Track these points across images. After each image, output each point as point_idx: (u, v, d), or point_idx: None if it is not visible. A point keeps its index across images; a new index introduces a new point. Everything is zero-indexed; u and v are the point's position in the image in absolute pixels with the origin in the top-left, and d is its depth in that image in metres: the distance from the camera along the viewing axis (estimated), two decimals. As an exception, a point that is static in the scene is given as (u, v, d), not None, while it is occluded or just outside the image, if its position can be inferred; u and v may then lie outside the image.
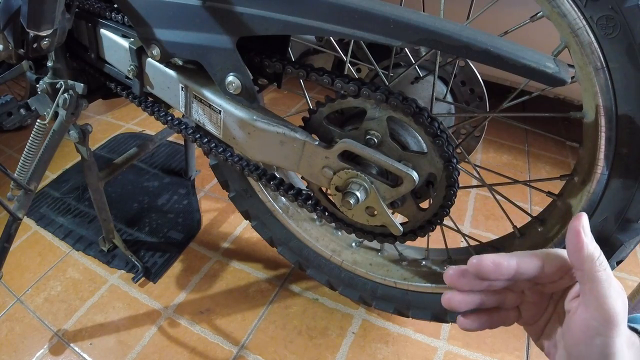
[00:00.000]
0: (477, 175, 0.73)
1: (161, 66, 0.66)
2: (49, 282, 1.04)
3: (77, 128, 0.86)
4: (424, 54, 0.76)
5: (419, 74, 0.77)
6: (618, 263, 0.60)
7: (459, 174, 0.58)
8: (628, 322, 0.38)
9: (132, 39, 0.69)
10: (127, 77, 0.75)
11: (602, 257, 0.35)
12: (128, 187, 1.34)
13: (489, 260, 0.36)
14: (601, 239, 0.58)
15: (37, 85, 0.82)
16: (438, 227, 0.64)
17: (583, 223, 0.35)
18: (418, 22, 0.46)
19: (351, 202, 0.58)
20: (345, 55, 0.74)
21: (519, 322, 0.43)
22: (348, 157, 0.60)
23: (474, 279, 0.38)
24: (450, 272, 0.39)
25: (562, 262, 0.38)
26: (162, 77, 0.67)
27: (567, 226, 0.36)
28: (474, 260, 0.37)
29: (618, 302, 0.34)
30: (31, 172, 0.82)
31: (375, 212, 0.61)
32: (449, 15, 0.53)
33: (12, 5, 0.65)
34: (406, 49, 0.78)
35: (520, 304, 0.42)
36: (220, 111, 0.63)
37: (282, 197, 0.85)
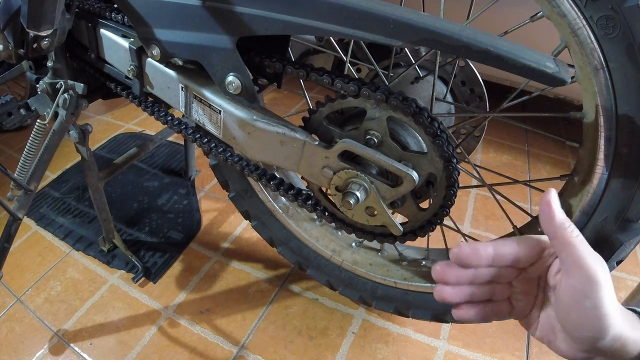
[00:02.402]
0: (477, 175, 0.73)
1: (161, 66, 0.66)
2: (49, 282, 1.04)
3: (77, 128, 0.86)
4: (424, 54, 0.76)
5: (419, 74, 0.77)
6: (618, 263, 0.60)
7: (459, 174, 0.58)
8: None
9: (132, 39, 0.69)
10: (127, 77, 0.75)
11: (573, 226, 0.37)
12: (128, 187, 1.34)
13: (466, 246, 0.39)
14: (601, 239, 0.58)
15: (37, 85, 0.82)
16: (438, 227, 0.64)
17: (552, 196, 0.38)
18: (418, 22, 0.46)
19: (351, 202, 0.58)
20: (345, 55, 0.74)
21: (513, 315, 0.44)
22: (348, 157, 0.60)
23: (459, 270, 0.40)
24: (437, 267, 0.42)
25: (535, 242, 0.40)
26: (162, 77, 0.67)
27: (540, 201, 0.38)
28: (454, 249, 0.39)
29: (596, 261, 0.35)
30: (31, 172, 0.82)
31: (375, 212, 0.61)
32: (449, 15, 0.53)
33: (12, 5, 0.65)
34: (406, 49, 0.78)
35: (511, 296, 0.43)
36: (220, 111, 0.63)
37: (282, 197, 0.85)
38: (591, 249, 0.36)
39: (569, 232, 0.36)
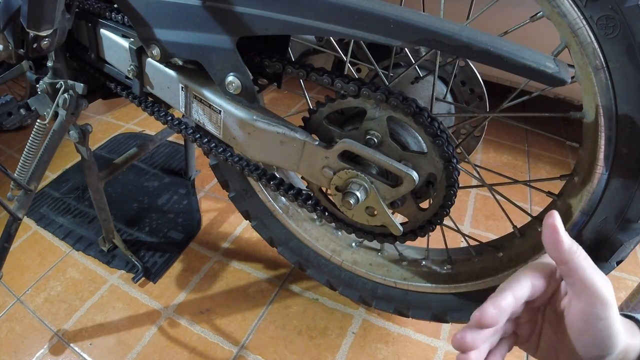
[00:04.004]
0: (477, 175, 0.73)
1: (161, 66, 0.66)
2: (49, 282, 1.04)
3: (77, 128, 0.86)
4: (424, 54, 0.76)
5: (419, 74, 0.77)
6: (618, 263, 0.60)
7: (459, 174, 0.58)
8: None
9: (132, 39, 0.69)
10: (127, 77, 0.75)
11: (579, 247, 0.36)
12: (128, 187, 1.34)
13: (490, 307, 0.36)
14: (601, 239, 0.58)
15: (37, 85, 0.82)
16: (438, 227, 0.64)
17: (556, 219, 0.36)
18: (418, 22, 0.46)
19: (351, 202, 0.58)
20: (345, 55, 0.74)
21: (516, 343, 0.43)
22: (348, 157, 0.60)
23: (484, 332, 0.37)
24: (458, 336, 0.36)
25: (545, 271, 0.38)
26: (162, 77, 0.67)
27: (543, 224, 0.36)
28: (477, 315, 0.36)
29: (605, 284, 0.35)
30: (31, 172, 0.82)
31: (375, 212, 0.61)
32: (449, 15, 0.53)
33: (12, 5, 0.65)
34: (406, 49, 0.78)
35: (516, 328, 0.42)
36: (220, 111, 0.63)
37: (282, 197, 0.85)
38: (597, 268, 0.36)
39: (577, 256, 0.35)
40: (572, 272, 0.36)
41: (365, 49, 0.76)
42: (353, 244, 0.88)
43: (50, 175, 1.39)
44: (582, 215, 0.59)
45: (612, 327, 0.34)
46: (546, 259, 0.39)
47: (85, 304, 0.99)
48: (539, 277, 0.38)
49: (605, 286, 0.35)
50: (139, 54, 0.68)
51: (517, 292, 0.37)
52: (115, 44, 0.72)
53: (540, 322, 0.41)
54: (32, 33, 0.64)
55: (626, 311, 0.39)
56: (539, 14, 0.54)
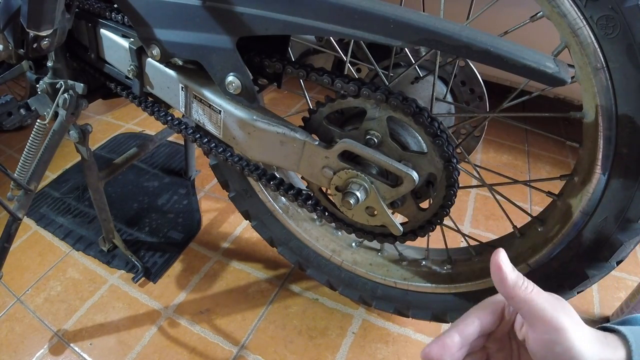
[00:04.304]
0: (477, 175, 0.73)
1: (161, 66, 0.66)
2: (49, 282, 1.04)
3: (77, 128, 0.86)
4: (424, 54, 0.76)
5: (419, 74, 0.77)
6: (618, 263, 0.60)
7: (459, 174, 0.58)
8: (626, 323, 0.39)
9: (132, 39, 0.69)
10: (127, 77, 0.75)
11: (525, 280, 0.38)
12: (128, 187, 1.34)
13: (434, 345, 0.39)
14: (601, 239, 0.58)
15: (37, 85, 0.82)
16: (438, 227, 0.64)
17: (501, 257, 0.38)
18: (418, 22, 0.46)
19: (351, 202, 0.58)
20: (345, 55, 0.74)
21: None
22: (348, 157, 0.60)
23: None
24: None
25: (494, 306, 0.41)
26: (162, 77, 0.67)
27: (490, 262, 0.39)
28: (425, 350, 0.40)
29: (556, 308, 0.36)
30: (31, 172, 0.82)
31: (375, 212, 0.61)
32: (449, 15, 0.53)
33: (12, 5, 0.65)
34: (406, 49, 0.78)
35: (489, 357, 0.44)
36: (220, 111, 0.63)
37: (282, 197, 0.85)
38: (548, 295, 0.37)
39: (524, 290, 0.37)
40: (520, 305, 0.37)
41: (365, 49, 0.76)
42: (353, 244, 0.88)
43: (50, 175, 1.39)
44: (582, 215, 0.59)
45: (572, 349, 0.35)
46: (499, 295, 0.42)
47: (85, 304, 0.99)
48: (487, 314, 0.41)
49: (557, 312, 0.36)
50: (139, 54, 0.68)
51: (464, 330, 0.40)
52: (115, 44, 0.72)
53: (516, 348, 0.43)
54: (32, 33, 0.64)
55: (626, 311, 0.39)
56: (539, 14, 0.54)
